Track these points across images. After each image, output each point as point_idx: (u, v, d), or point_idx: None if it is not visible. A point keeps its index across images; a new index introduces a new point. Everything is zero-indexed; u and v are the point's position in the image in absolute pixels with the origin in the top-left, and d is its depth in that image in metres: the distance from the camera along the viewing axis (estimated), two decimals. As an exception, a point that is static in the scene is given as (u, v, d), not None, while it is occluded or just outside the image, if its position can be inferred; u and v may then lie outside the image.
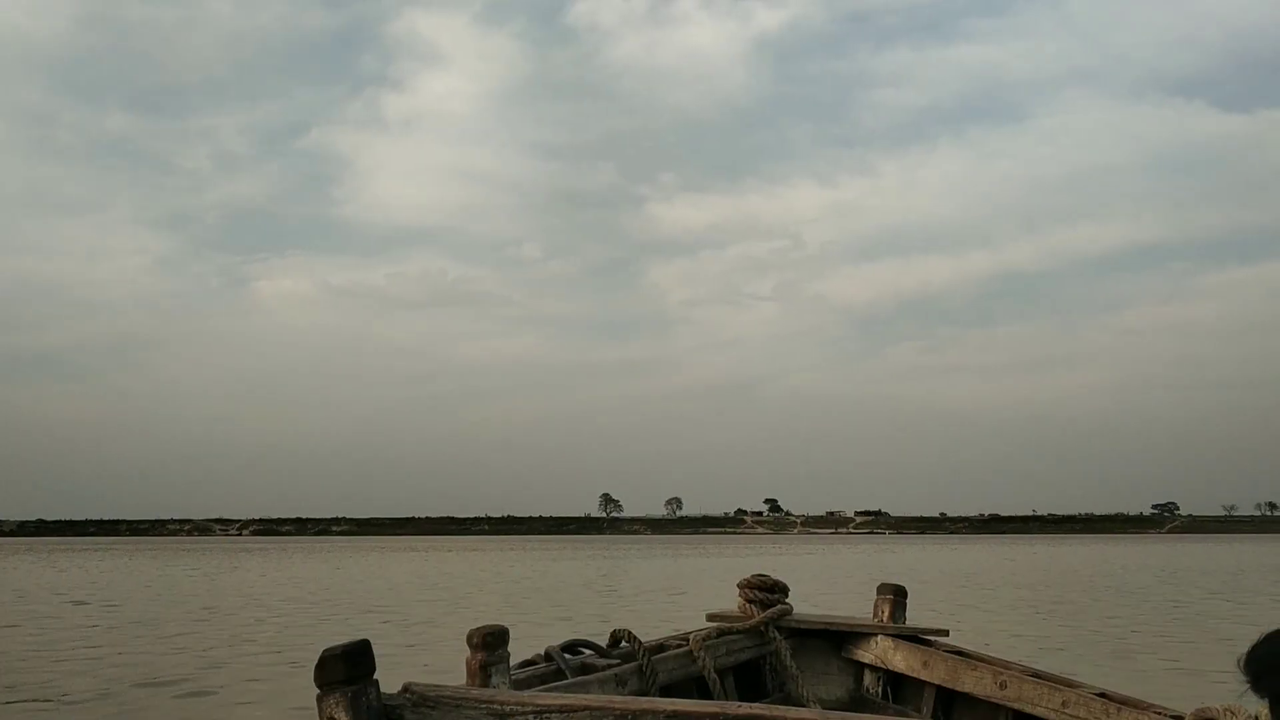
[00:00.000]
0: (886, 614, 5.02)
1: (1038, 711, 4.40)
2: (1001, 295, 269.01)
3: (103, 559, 61.76)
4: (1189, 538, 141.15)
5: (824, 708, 4.90)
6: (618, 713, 2.81)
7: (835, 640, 5.11)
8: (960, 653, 4.80)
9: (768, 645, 4.99)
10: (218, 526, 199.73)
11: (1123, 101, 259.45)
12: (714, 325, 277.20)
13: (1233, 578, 33.81)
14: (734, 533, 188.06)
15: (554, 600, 23.57)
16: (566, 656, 4.12)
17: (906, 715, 4.82)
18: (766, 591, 5.05)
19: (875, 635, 4.98)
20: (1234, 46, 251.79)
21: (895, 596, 5.03)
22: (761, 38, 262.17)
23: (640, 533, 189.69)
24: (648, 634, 4.74)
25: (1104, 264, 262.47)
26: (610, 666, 4.13)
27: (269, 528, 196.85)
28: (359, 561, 53.08)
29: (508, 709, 2.84)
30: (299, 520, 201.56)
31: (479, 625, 3.56)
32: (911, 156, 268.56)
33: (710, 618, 5.11)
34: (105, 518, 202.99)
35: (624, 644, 4.40)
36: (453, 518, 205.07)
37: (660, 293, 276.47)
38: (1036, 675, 4.54)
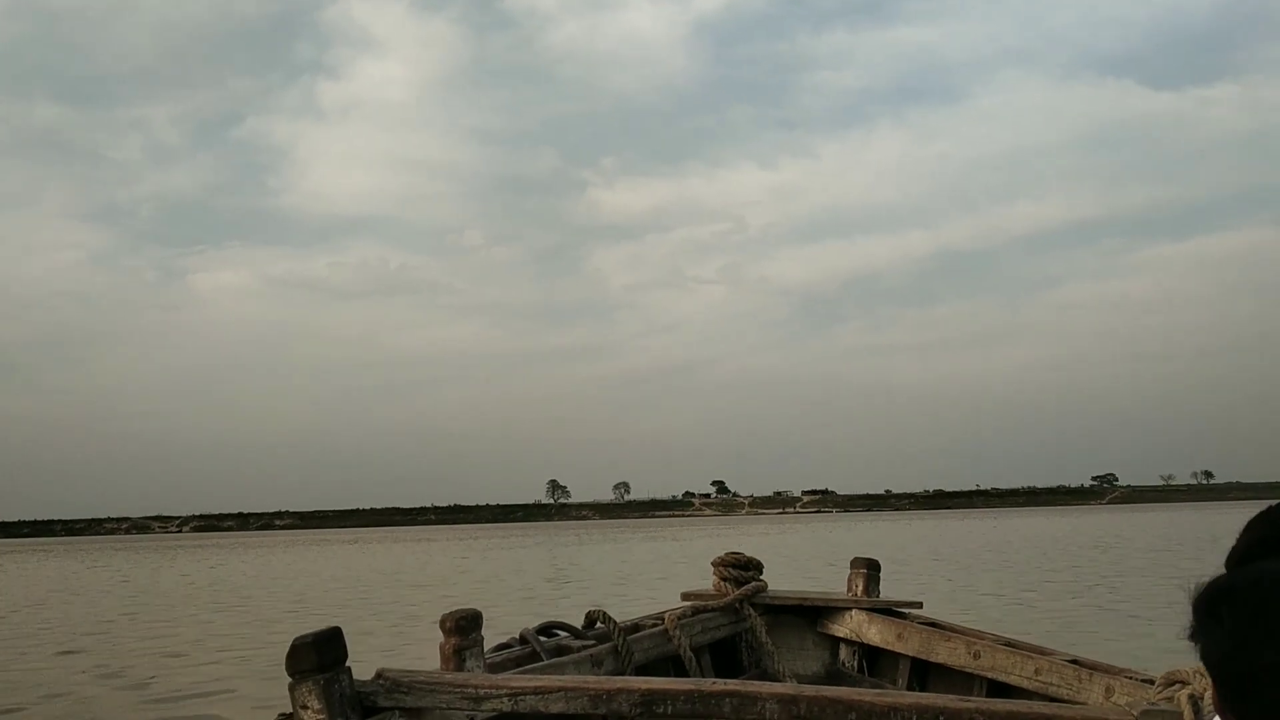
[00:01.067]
0: (861, 588, 5.08)
1: (1011, 680, 4.48)
2: (941, 274, 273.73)
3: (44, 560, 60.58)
4: (1131, 507, 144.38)
5: (800, 682, 4.96)
6: (593, 693, 2.84)
7: (810, 615, 5.16)
8: (934, 624, 4.87)
9: (743, 622, 5.03)
10: (156, 524, 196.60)
11: (1056, 81, 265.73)
12: (658, 309, 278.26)
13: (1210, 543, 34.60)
14: (682, 515, 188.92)
15: (513, 588, 23.55)
16: (541, 639, 4.13)
17: (882, 687, 4.88)
18: (741, 569, 5.08)
19: (850, 609, 5.04)
20: (1161, 26, 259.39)
21: (869, 570, 5.08)
22: (701, 20, 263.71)
23: (589, 518, 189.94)
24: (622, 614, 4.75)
25: (1040, 241, 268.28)
26: (586, 648, 4.15)
27: (210, 524, 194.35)
28: (302, 556, 52.55)
29: (482, 692, 2.86)
30: (241, 515, 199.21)
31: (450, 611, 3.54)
32: (851, 138, 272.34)
33: (685, 596, 5.14)
34: (40, 518, 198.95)
35: (599, 625, 4.42)
36: (399, 508, 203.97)
37: (604, 277, 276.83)
38: (1009, 644, 4.61)
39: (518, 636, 4.13)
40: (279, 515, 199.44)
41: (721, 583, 5.09)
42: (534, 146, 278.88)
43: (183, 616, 18.73)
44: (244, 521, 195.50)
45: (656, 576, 25.43)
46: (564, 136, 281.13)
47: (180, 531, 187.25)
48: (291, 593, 24.65)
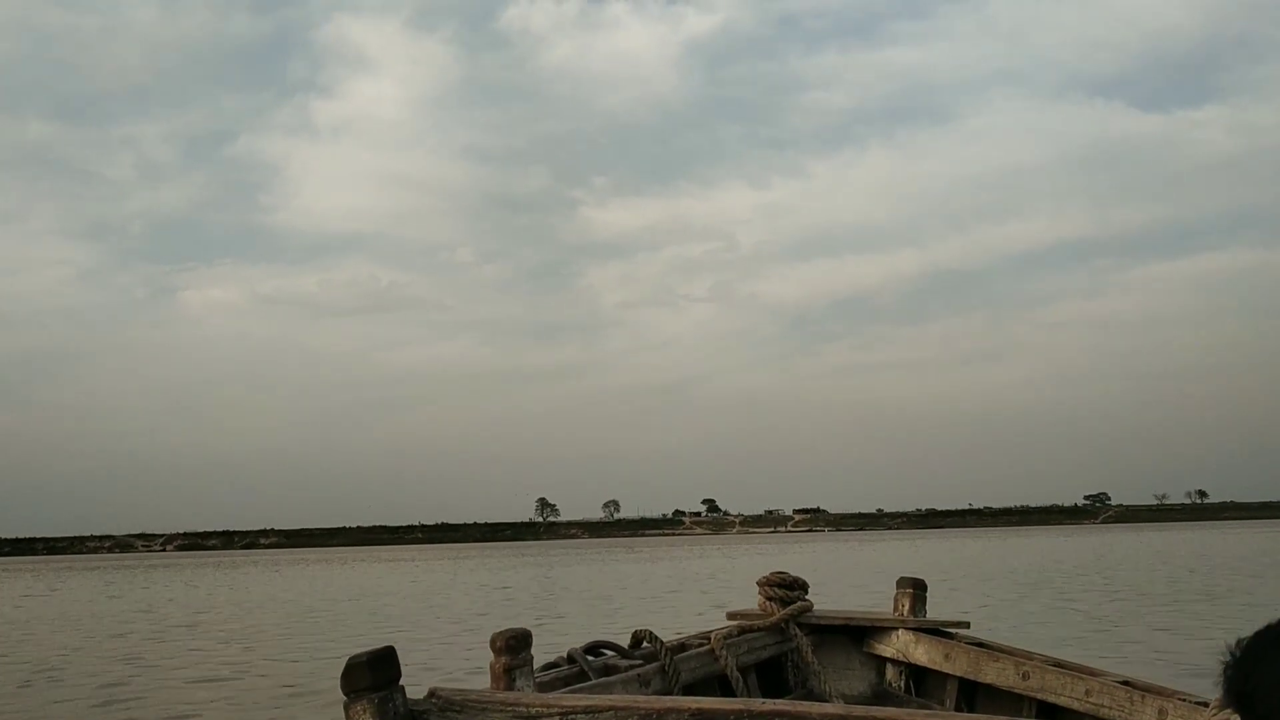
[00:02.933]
0: (907, 607, 5.10)
1: (1061, 701, 4.49)
2: (932, 293, 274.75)
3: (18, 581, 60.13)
4: (1127, 527, 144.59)
5: (847, 703, 4.97)
6: (643, 712, 2.84)
7: (856, 635, 5.18)
8: (981, 644, 4.89)
9: (789, 642, 5.05)
10: (140, 542, 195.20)
11: (1045, 102, 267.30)
12: (649, 327, 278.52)
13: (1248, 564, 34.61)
14: (672, 534, 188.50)
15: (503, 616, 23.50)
16: (589, 658, 4.18)
17: (930, 708, 4.89)
18: (786, 589, 5.11)
19: (896, 629, 5.05)
20: (1150, 48, 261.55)
21: (915, 590, 5.10)
22: (692, 41, 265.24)
23: (578, 536, 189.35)
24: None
25: (1030, 261, 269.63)
26: (633, 667, 4.18)
27: (194, 542, 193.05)
28: (281, 576, 52.27)
29: (533, 711, 2.87)
30: (225, 534, 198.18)
31: (500, 630, 3.56)
32: (841, 157, 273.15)
33: (731, 616, 5.16)
34: (21, 536, 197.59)
35: (645, 644, 4.46)
36: (385, 526, 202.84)
37: (595, 295, 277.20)
38: (1059, 665, 4.63)
39: (565, 656, 4.17)
40: (264, 534, 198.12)
41: (767, 602, 5.11)
42: (525, 165, 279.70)
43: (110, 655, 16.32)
44: (228, 540, 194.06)
45: (657, 600, 25.39)
46: (555, 155, 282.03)
47: (164, 550, 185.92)
48: (280, 616, 24.54)
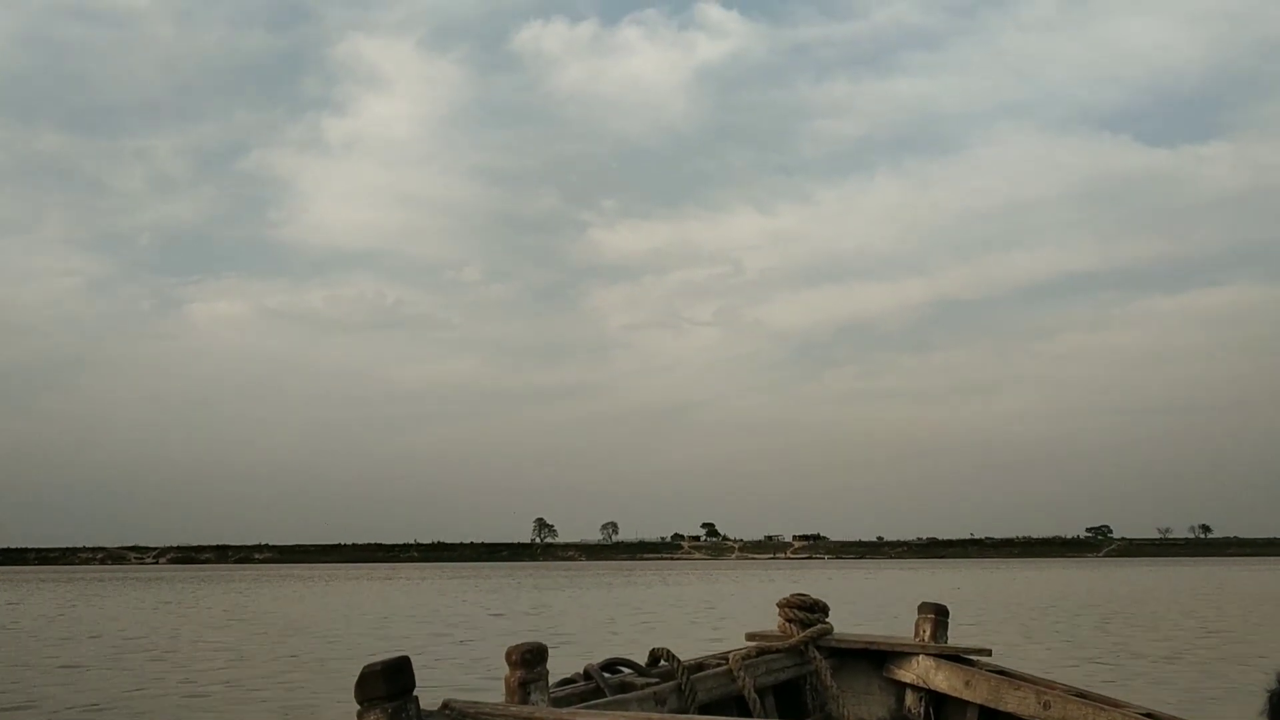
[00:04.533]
0: (928, 633, 5.08)
1: None
2: (936, 322, 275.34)
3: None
4: (1132, 561, 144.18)
5: (865, 728, 4.96)
6: None
7: (876, 660, 5.16)
8: (1003, 672, 4.87)
9: (808, 665, 5.03)
10: (133, 555, 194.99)
11: (1052, 135, 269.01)
12: (653, 350, 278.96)
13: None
14: (670, 558, 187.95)
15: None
16: (605, 675, 4.17)
17: None
18: (806, 611, 5.10)
19: (917, 655, 5.04)
20: (1157, 84, 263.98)
21: (937, 616, 5.09)
22: (704, 68, 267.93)
23: (575, 558, 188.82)
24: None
25: (1035, 292, 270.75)
26: (649, 685, 4.18)
27: (187, 556, 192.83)
28: (259, 594, 52.04)
29: None
30: (219, 548, 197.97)
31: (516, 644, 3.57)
32: (849, 185, 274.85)
33: (750, 637, 5.15)
34: (14, 545, 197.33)
35: (663, 662, 4.45)
36: (381, 544, 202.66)
37: (600, 317, 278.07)
38: (1081, 695, 4.61)
39: (582, 672, 4.17)
40: (259, 549, 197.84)
41: (786, 624, 5.10)
42: (535, 186, 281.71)
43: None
44: (222, 554, 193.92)
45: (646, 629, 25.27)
46: (565, 177, 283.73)
47: (157, 563, 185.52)
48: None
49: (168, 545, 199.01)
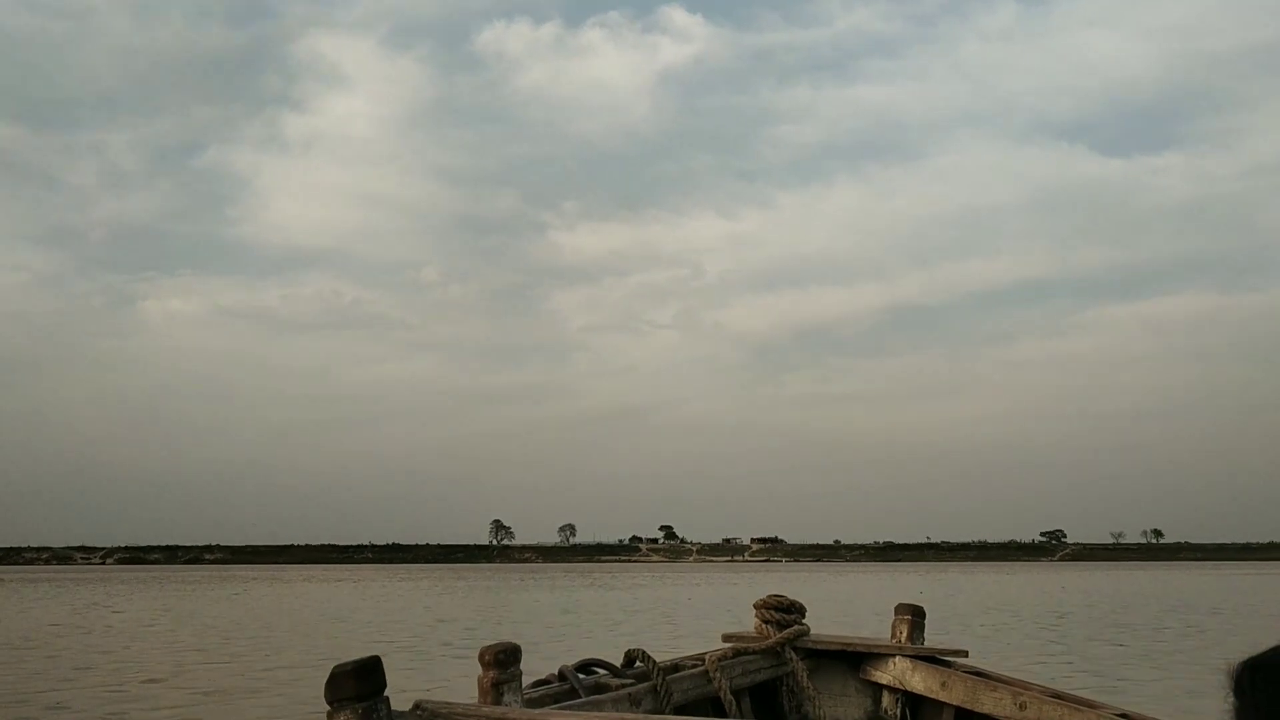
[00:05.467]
0: (905, 634, 5.08)
1: None
2: (894, 327, 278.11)
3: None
4: (1087, 565, 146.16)
5: (841, 730, 4.96)
6: None
7: (853, 661, 5.15)
8: (979, 673, 4.88)
9: (785, 666, 5.02)
10: (79, 555, 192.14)
11: (1010, 144, 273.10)
12: (613, 352, 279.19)
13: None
14: (628, 560, 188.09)
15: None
16: (580, 676, 4.15)
17: None
18: (783, 612, 5.08)
19: (893, 656, 5.04)
20: (1113, 95, 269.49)
21: (913, 617, 5.09)
22: (666, 71, 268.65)
23: (532, 561, 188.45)
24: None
25: (991, 298, 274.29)
26: (624, 686, 4.16)
27: (136, 556, 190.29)
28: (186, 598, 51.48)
29: None
30: (169, 548, 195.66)
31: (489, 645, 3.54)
32: (810, 191, 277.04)
33: (726, 638, 5.12)
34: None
35: (638, 664, 4.42)
36: (335, 545, 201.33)
37: (560, 319, 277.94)
38: (1057, 696, 4.62)
39: (556, 673, 4.14)
40: (209, 549, 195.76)
41: (763, 625, 5.08)
42: (496, 187, 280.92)
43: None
44: (172, 555, 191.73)
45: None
46: (526, 178, 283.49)
47: (104, 563, 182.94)
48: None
49: (115, 546, 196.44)
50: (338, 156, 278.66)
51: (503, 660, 3.47)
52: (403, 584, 64.57)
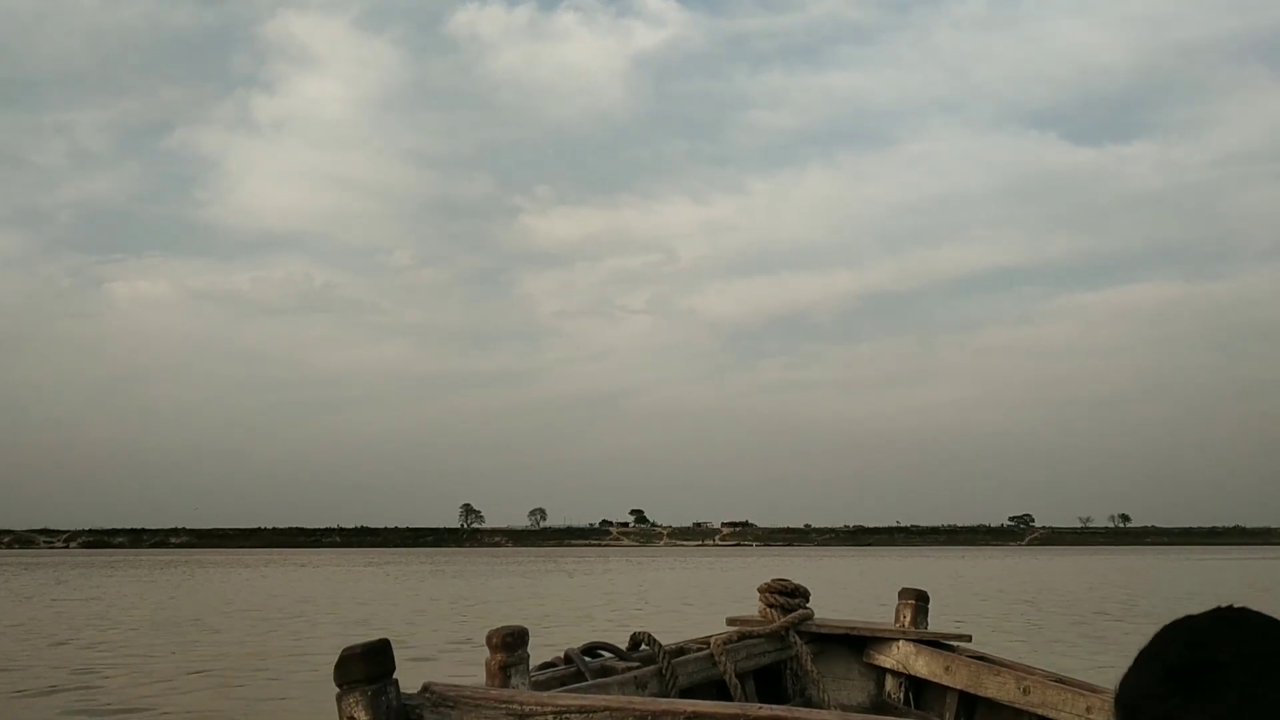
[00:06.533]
0: (908, 619, 5.13)
1: (1061, 717, 4.54)
2: (865, 313, 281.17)
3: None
4: (1054, 549, 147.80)
5: (845, 713, 4.99)
6: (637, 714, 2.87)
7: (857, 645, 5.20)
8: (983, 658, 4.93)
9: (789, 649, 5.05)
10: (42, 538, 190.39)
11: (982, 131, 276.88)
12: (585, 337, 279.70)
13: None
14: (599, 544, 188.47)
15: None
16: (586, 659, 4.17)
17: None
18: (788, 596, 5.12)
19: (897, 640, 5.08)
20: (1084, 84, 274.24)
21: (918, 601, 5.14)
22: (641, 56, 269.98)
23: (502, 544, 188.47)
24: None
25: (962, 285, 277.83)
26: (630, 669, 4.19)
27: (100, 539, 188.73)
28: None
29: (526, 709, 2.90)
30: (134, 531, 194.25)
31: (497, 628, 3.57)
32: (783, 177, 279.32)
33: (730, 621, 5.16)
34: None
35: (644, 646, 4.45)
36: (302, 529, 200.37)
37: (532, 303, 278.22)
38: (1060, 680, 4.68)
39: (563, 656, 4.17)
40: (175, 532, 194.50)
41: (768, 609, 5.11)
42: (469, 171, 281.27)
43: None
44: (136, 538, 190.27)
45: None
46: (499, 162, 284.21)
47: (67, 547, 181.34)
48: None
49: (80, 529, 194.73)
50: (309, 139, 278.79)
51: (510, 643, 3.50)
52: (369, 570, 64.24)
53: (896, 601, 5.21)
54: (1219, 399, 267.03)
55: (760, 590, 5.18)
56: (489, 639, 3.52)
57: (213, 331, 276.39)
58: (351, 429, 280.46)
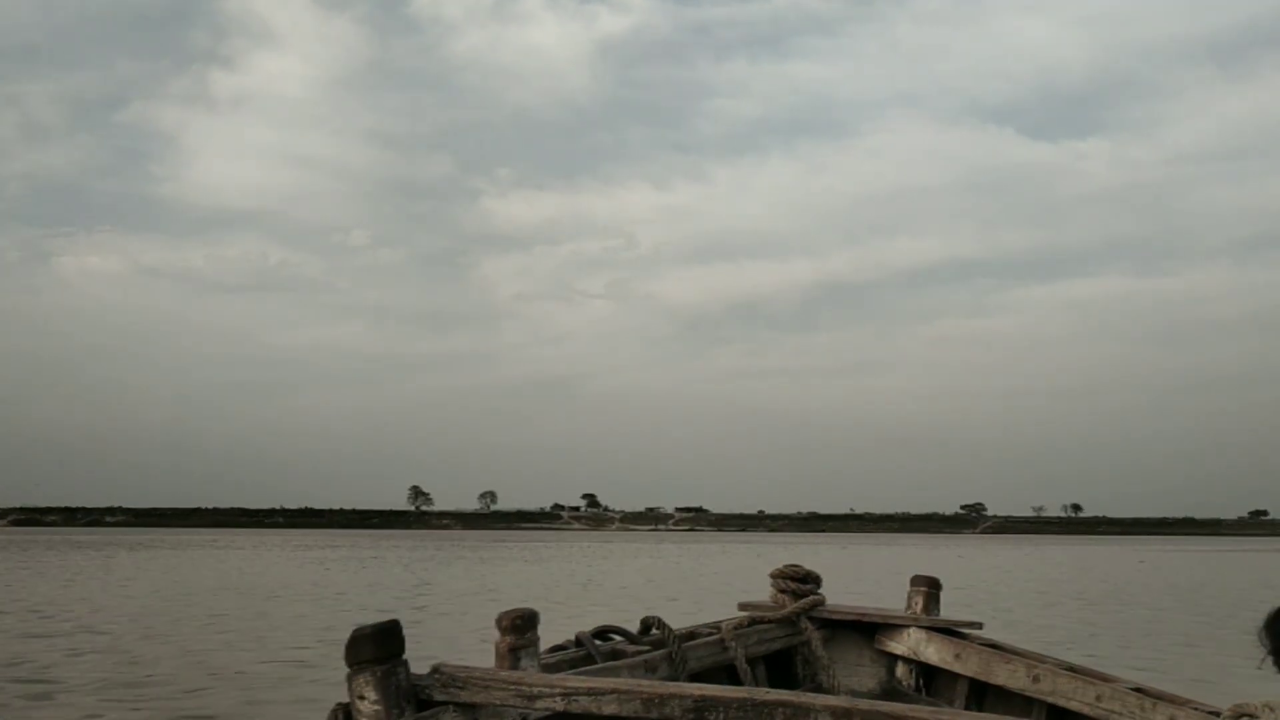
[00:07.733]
0: (920, 606, 5.19)
1: (1072, 705, 4.62)
2: (822, 302, 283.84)
3: None
4: (1005, 538, 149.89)
5: (855, 698, 5.03)
6: (645, 696, 2.93)
7: (868, 631, 5.25)
8: (994, 645, 5.00)
9: (800, 635, 5.10)
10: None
11: (941, 125, 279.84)
12: (543, 320, 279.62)
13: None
14: (550, 528, 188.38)
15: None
16: (596, 642, 4.23)
17: (939, 707, 4.99)
18: (799, 581, 5.16)
19: (908, 627, 5.14)
20: (1042, 80, 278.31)
21: (929, 589, 5.20)
22: (605, 41, 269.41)
23: (450, 527, 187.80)
24: None
25: (918, 276, 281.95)
26: (640, 653, 4.26)
27: (31, 518, 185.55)
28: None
29: (535, 690, 2.98)
30: (67, 510, 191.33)
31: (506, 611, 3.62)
32: (744, 165, 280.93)
33: (742, 607, 5.19)
34: None
35: (654, 631, 4.50)
36: (244, 509, 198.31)
37: (490, 286, 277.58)
38: (1071, 669, 4.76)
39: (573, 639, 4.23)
40: (110, 511, 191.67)
41: (779, 594, 5.16)
42: (429, 152, 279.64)
43: None
44: (70, 516, 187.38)
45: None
46: (460, 144, 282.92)
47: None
48: None
49: (10, 506, 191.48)
50: (267, 116, 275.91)
51: (520, 626, 3.56)
52: (304, 554, 63.36)
53: (907, 588, 5.27)
54: (1168, 392, 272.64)
55: (772, 576, 5.23)
56: (498, 621, 3.57)
57: (165, 309, 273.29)
58: (302, 410, 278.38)
